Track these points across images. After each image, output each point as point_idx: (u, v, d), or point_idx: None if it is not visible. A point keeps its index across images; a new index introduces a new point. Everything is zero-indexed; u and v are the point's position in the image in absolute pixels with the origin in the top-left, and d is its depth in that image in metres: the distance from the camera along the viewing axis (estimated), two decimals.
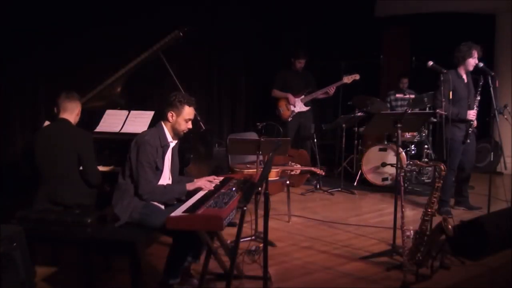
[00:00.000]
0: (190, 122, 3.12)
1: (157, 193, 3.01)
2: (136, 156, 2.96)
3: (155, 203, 3.04)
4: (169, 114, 3.06)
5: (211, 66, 7.36)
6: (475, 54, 4.60)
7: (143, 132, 3.12)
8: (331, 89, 6.15)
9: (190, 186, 3.11)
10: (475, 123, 4.71)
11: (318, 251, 3.85)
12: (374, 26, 8.39)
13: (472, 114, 4.64)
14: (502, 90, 6.87)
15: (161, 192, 3.02)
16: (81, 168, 3.27)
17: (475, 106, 4.67)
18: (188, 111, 3.07)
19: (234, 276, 2.96)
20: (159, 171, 3.05)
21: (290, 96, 6.24)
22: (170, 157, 3.17)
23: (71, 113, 3.28)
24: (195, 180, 3.22)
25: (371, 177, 6.16)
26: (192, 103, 3.09)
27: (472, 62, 4.61)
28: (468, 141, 4.73)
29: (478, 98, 4.66)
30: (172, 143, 3.15)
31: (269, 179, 3.38)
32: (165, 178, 3.14)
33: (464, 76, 4.75)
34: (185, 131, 3.12)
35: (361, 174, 6.25)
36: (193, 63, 7.02)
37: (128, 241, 2.80)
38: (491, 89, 4.63)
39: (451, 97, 4.56)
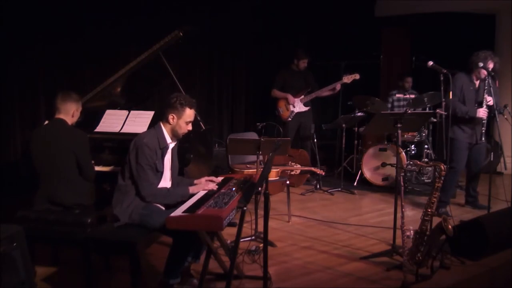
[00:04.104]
0: (190, 124, 3.11)
1: (160, 196, 3.00)
2: (135, 158, 2.95)
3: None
4: (170, 116, 3.04)
5: (212, 66, 7.37)
6: (490, 65, 4.54)
7: (141, 134, 3.08)
8: (338, 86, 6.16)
9: (193, 190, 3.08)
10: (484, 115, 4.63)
11: (318, 251, 3.85)
12: (374, 26, 8.39)
13: (482, 112, 4.60)
14: (502, 90, 6.86)
15: (164, 194, 3.01)
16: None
17: (484, 105, 4.61)
18: (189, 113, 3.06)
19: (234, 276, 2.97)
20: (159, 173, 3.04)
21: (290, 96, 6.24)
22: (170, 158, 3.17)
23: (66, 113, 3.28)
24: (195, 181, 3.22)
25: (371, 177, 6.16)
26: (193, 105, 3.08)
27: (484, 71, 4.56)
28: (483, 139, 4.71)
29: (489, 100, 4.61)
30: (171, 144, 3.14)
31: (269, 179, 3.37)
32: (166, 180, 3.14)
33: (476, 82, 4.73)
34: (184, 133, 3.12)
35: (361, 174, 6.25)
36: (193, 63, 7.03)
37: (127, 241, 2.81)
38: (491, 89, 4.63)
39: (450, 97, 4.57)
